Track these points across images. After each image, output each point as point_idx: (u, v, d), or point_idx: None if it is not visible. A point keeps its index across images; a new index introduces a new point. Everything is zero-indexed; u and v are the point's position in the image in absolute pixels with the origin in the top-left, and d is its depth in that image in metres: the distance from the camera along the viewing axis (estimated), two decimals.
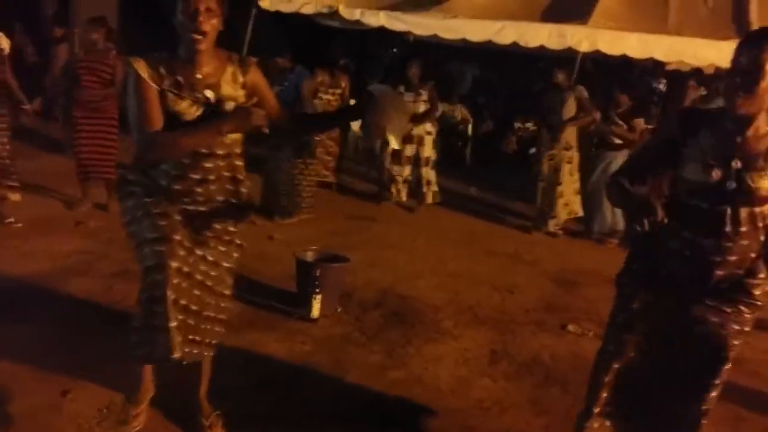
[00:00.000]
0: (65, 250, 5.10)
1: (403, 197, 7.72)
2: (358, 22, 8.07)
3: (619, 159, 6.71)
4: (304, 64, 7.28)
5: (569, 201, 7.18)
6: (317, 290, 4.29)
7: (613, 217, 7.06)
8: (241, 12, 8.13)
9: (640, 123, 6.91)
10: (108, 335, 3.54)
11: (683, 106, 7.42)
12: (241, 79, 2.67)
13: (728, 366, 2.44)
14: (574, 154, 7.10)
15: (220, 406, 3.08)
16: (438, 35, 8.08)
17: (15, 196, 6.15)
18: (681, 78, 8.95)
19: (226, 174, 2.70)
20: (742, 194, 2.27)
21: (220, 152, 2.65)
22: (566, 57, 7.40)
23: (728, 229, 2.29)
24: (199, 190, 2.64)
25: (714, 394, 2.48)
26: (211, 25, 2.50)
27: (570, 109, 6.95)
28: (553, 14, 7.82)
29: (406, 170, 7.62)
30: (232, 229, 2.81)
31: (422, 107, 7.44)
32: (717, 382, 2.44)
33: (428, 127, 7.60)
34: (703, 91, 8.21)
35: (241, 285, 4.56)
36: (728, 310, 2.39)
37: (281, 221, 6.57)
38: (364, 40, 11.33)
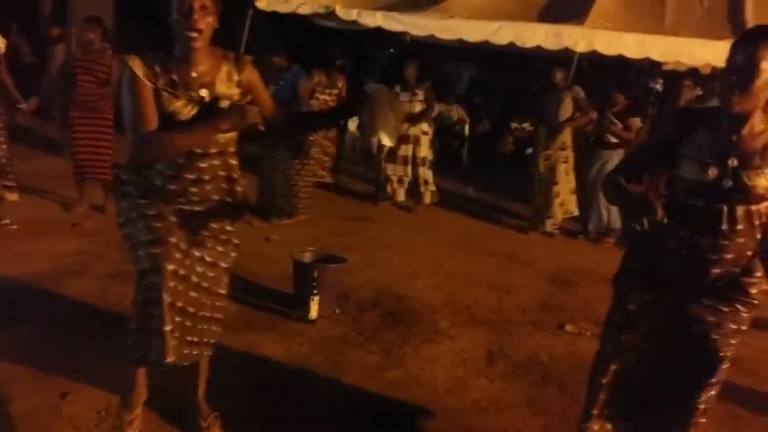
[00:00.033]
0: (62, 251, 5.10)
1: (399, 197, 7.72)
2: (354, 22, 8.07)
3: (614, 158, 6.73)
4: (301, 63, 7.28)
5: (565, 201, 7.20)
6: (315, 291, 4.29)
7: (609, 216, 7.08)
8: (237, 12, 8.13)
9: (636, 122, 6.93)
10: (105, 337, 3.54)
11: (679, 106, 7.44)
12: (236, 77, 2.67)
13: (726, 365, 2.45)
14: (570, 154, 7.13)
15: (217, 406, 3.08)
16: (435, 35, 8.09)
17: (12, 197, 6.14)
18: (677, 78, 8.96)
19: (221, 173, 2.70)
20: (739, 192, 2.27)
21: (215, 151, 2.64)
22: (563, 57, 7.41)
23: (725, 227, 2.30)
24: (194, 189, 2.64)
25: (712, 393, 2.49)
26: (207, 23, 2.50)
27: (567, 109, 6.97)
28: (549, 14, 7.83)
29: (401, 169, 7.63)
30: (229, 228, 2.81)
31: (418, 107, 7.45)
32: (715, 381, 2.45)
33: (424, 127, 7.61)
34: (699, 91, 8.22)
35: (239, 286, 4.58)
36: (725, 309, 2.40)
37: (278, 222, 6.58)
38: (360, 40, 11.33)
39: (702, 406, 2.49)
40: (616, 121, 6.95)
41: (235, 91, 2.66)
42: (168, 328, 2.56)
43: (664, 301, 2.48)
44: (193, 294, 2.71)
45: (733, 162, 2.27)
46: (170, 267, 2.56)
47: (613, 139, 6.95)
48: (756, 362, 4.37)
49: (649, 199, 2.19)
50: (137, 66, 2.49)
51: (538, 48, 7.63)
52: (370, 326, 4.40)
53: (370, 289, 5.01)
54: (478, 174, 9.88)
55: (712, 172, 2.29)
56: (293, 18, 8.34)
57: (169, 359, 2.59)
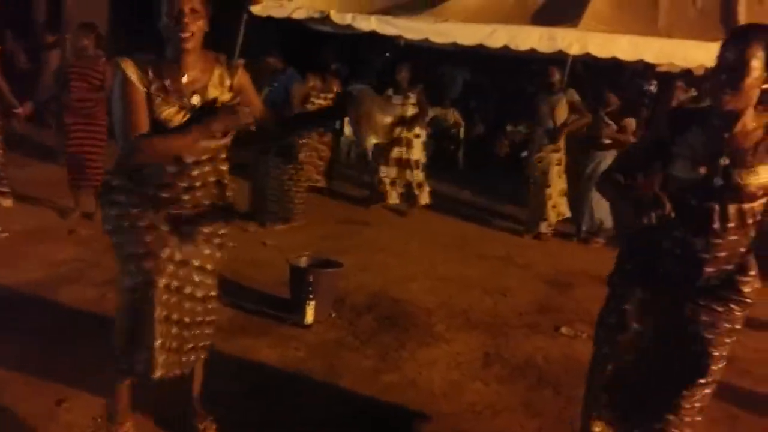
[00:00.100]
0: (58, 258, 5.10)
1: (392, 199, 7.73)
2: (349, 26, 8.08)
3: (608, 158, 6.74)
4: (296, 68, 7.29)
5: (557, 203, 7.23)
6: (311, 296, 4.30)
7: (600, 216, 7.10)
8: (232, 17, 8.14)
9: (631, 123, 6.95)
10: (101, 344, 3.52)
11: (672, 106, 7.46)
12: (228, 82, 2.67)
13: (721, 364, 2.46)
14: (563, 156, 7.15)
15: (213, 412, 3.08)
16: (429, 39, 8.10)
17: (6, 202, 6.16)
18: (671, 80, 8.99)
19: (212, 179, 2.69)
20: (730, 191, 2.28)
21: (206, 158, 2.64)
22: (557, 60, 7.43)
23: (716, 225, 2.31)
24: (186, 197, 2.63)
25: (707, 391, 2.50)
26: (197, 26, 2.49)
27: (562, 111, 6.99)
28: (543, 17, 7.85)
29: (394, 172, 7.65)
30: (223, 231, 2.81)
31: (410, 110, 7.48)
32: (710, 380, 2.46)
33: (417, 130, 7.64)
34: (693, 92, 8.25)
35: (234, 291, 4.61)
36: (720, 309, 2.41)
37: (273, 227, 6.57)
38: (355, 44, 11.35)
39: (698, 405, 2.50)
40: (610, 121, 6.98)
41: (227, 96, 2.65)
42: (158, 342, 2.57)
43: (660, 301, 2.49)
44: (187, 304, 2.70)
45: (724, 160, 2.28)
46: (163, 281, 2.56)
47: (607, 140, 6.97)
48: (751, 362, 4.39)
49: (657, 194, 2.20)
50: (130, 68, 2.48)
51: (532, 51, 7.65)
52: (365, 330, 4.41)
53: (365, 292, 5.02)
54: (472, 177, 9.89)
55: (702, 170, 2.30)
56: (288, 23, 8.35)
57: (157, 374, 2.60)
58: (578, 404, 2.90)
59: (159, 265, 2.56)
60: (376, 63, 11.86)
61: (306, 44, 9.24)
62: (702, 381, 2.47)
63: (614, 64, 8.49)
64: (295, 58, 7.40)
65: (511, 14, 7.96)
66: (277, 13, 8.17)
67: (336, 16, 7.97)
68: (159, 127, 2.51)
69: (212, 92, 2.61)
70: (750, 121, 2.29)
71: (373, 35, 8.23)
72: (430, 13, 8.03)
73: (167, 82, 2.52)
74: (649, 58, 7.86)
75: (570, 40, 7.30)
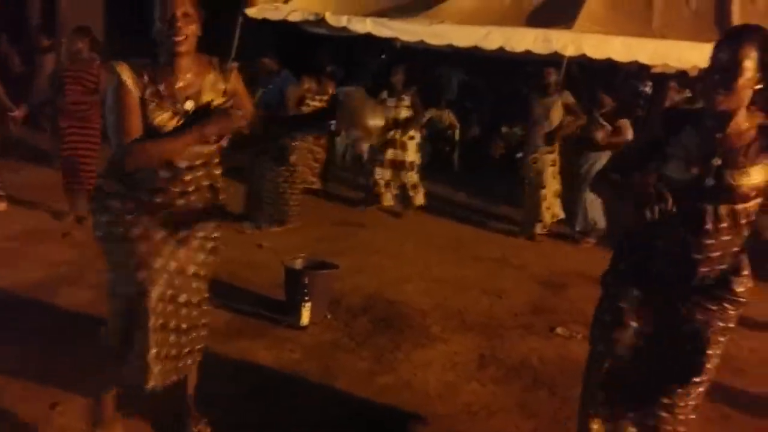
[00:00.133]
0: (54, 260, 5.10)
1: (386, 201, 7.75)
2: (344, 28, 8.09)
3: (602, 159, 6.76)
4: (291, 70, 7.30)
5: (551, 204, 7.24)
6: (306, 298, 4.30)
7: (594, 216, 7.11)
8: (228, 19, 8.15)
9: (625, 124, 6.96)
10: (98, 346, 3.52)
11: (666, 107, 7.48)
12: (221, 85, 2.67)
13: (715, 362, 2.47)
14: (557, 157, 7.17)
15: (209, 414, 3.08)
16: (425, 41, 8.11)
17: (1, 206, 6.15)
18: (666, 80, 9.02)
19: (205, 183, 2.69)
20: (722, 191, 2.29)
21: (200, 163, 2.64)
22: (552, 62, 7.44)
23: (709, 226, 2.32)
24: (180, 202, 2.63)
25: (701, 389, 2.51)
26: (190, 30, 2.50)
27: (557, 114, 7.01)
28: (538, 19, 7.87)
29: (388, 174, 7.66)
30: (215, 235, 2.81)
31: (404, 113, 7.50)
32: (704, 378, 2.47)
33: (411, 132, 7.65)
34: (687, 93, 8.27)
35: (230, 293, 4.61)
36: (713, 307, 2.42)
37: (269, 229, 6.57)
38: (351, 46, 11.36)
39: (692, 403, 2.51)
40: (604, 122, 6.99)
41: (220, 100, 2.66)
42: (153, 352, 2.57)
43: (654, 300, 2.50)
44: (183, 311, 2.70)
45: (716, 161, 2.29)
46: (156, 291, 2.56)
47: (601, 141, 6.98)
48: (745, 361, 4.42)
49: (658, 188, 2.21)
50: (125, 73, 2.48)
51: (528, 53, 7.66)
52: (361, 332, 4.41)
53: (360, 294, 5.03)
54: (468, 179, 9.90)
55: (695, 170, 2.31)
56: (284, 25, 8.36)
57: (150, 385, 2.60)
58: (573, 405, 2.91)
59: (152, 276, 2.56)
60: (371, 65, 11.86)
61: (301, 46, 9.24)
62: (697, 379, 2.48)
63: (609, 65, 8.50)
64: (290, 61, 7.41)
65: (506, 16, 7.97)
66: (273, 15, 8.18)
67: (331, 19, 7.98)
68: (153, 132, 2.51)
69: (206, 97, 2.62)
70: (743, 121, 2.30)
71: (368, 37, 8.24)
72: (425, 15, 8.04)
73: (161, 87, 2.52)
74: (644, 60, 7.87)
75: (565, 42, 7.31)
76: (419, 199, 7.75)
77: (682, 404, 2.52)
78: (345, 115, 2.84)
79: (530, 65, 9.28)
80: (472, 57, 10.36)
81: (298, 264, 4.66)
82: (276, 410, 3.38)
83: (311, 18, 8.12)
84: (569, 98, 7.08)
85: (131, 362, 2.61)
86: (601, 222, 7.08)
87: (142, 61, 2.55)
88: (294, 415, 3.36)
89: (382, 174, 7.67)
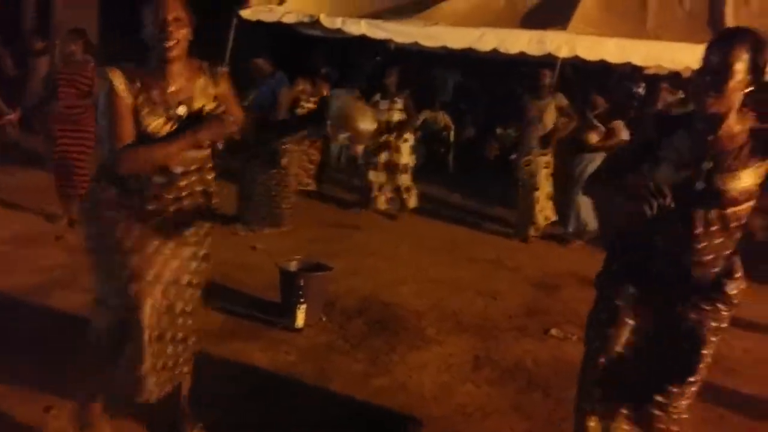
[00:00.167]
0: (47, 264, 5.08)
1: (380, 204, 7.76)
2: (339, 30, 8.10)
3: (596, 161, 6.76)
4: (285, 72, 7.30)
5: (543, 207, 7.26)
6: (301, 300, 4.30)
7: (585, 218, 7.12)
8: (222, 21, 8.15)
9: (619, 125, 6.97)
10: (87, 353, 3.52)
11: (658, 110, 7.50)
12: (212, 90, 2.67)
13: (707, 362, 2.48)
14: (551, 159, 7.18)
15: (204, 416, 3.07)
16: (419, 43, 8.13)
17: None
18: (659, 82, 9.04)
19: (199, 189, 2.68)
20: (712, 195, 2.29)
21: (194, 168, 2.64)
22: (546, 63, 7.46)
23: (699, 230, 2.32)
24: (173, 208, 2.61)
25: (693, 389, 2.52)
26: (182, 34, 2.49)
27: (551, 116, 7.03)
28: (532, 21, 7.90)
29: (382, 176, 7.68)
30: (207, 242, 2.80)
31: (396, 116, 7.51)
32: (697, 377, 2.48)
33: (404, 135, 7.66)
34: (680, 94, 8.29)
35: (225, 295, 4.60)
36: (707, 308, 2.42)
37: (262, 231, 6.56)
38: (345, 48, 11.36)
39: (684, 402, 2.52)
40: (598, 124, 7.00)
41: (211, 105, 2.66)
42: (148, 363, 2.57)
43: (650, 299, 2.50)
44: (179, 321, 2.70)
45: (707, 165, 2.29)
46: (150, 303, 2.55)
47: (595, 143, 7.00)
48: (738, 361, 4.43)
49: (657, 183, 2.22)
50: (118, 78, 2.47)
51: (522, 54, 7.68)
52: (356, 334, 4.41)
53: (355, 296, 5.02)
54: (463, 180, 9.91)
55: (684, 173, 2.31)
56: (278, 27, 8.36)
57: (144, 397, 2.61)
58: (568, 406, 2.91)
59: (145, 288, 2.55)
60: (366, 67, 11.87)
61: (296, 48, 9.25)
62: (691, 379, 2.49)
63: (603, 66, 8.52)
64: (284, 62, 7.41)
65: (500, 18, 8.00)
66: (267, 17, 8.19)
67: (326, 20, 7.99)
68: (147, 138, 2.50)
69: (198, 101, 2.61)
70: (734, 124, 2.30)
71: (363, 39, 8.26)
72: (419, 17, 8.06)
73: (154, 93, 2.51)
74: (637, 61, 7.90)
75: (559, 43, 7.33)
76: (412, 201, 7.77)
77: (675, 403, 2.53)
78: (335, 118, 2.85)
79: (525, 66, 9.31)
80: (467, 58, 10.38)
81: (293, 266, 4.66)
82: (272, 412, 3.37)
83: (306, 20, 8.13)
84: (563, 101, 7.10)
85: (123, 374, 2.60)
86: (593, 224, 7.10)
87: (134, 66, 2.54)
88: (290, 416, 3.35)
89: (375, 177, 7.68)
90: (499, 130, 9.49)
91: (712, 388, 3.73)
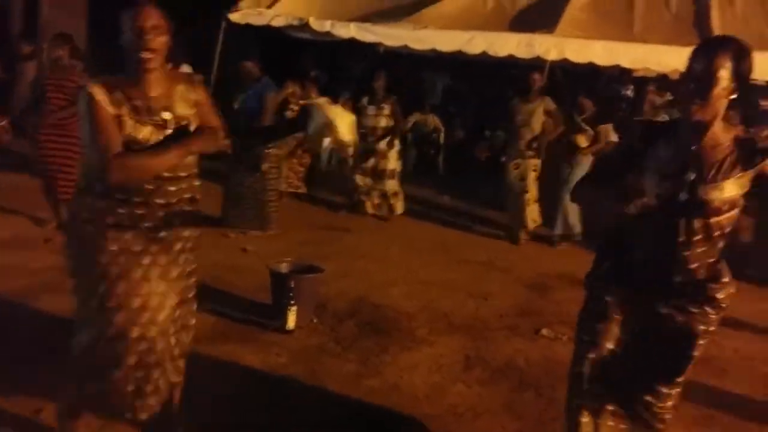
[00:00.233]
0: (36, 267, 5.05)
1: (368, 208, 7.78)
2: (328, 33, 8.12)
3: (584, 163, 6.83)
4: (272, 76, 7.30)
5: (531, 209, 7.29)
6: (292, 302, 4.30)
7: (572, 221, 7.15)
8: (211, 25, 8.15)
9: (606, 129, 7.01)
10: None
11: (644, 119, 7.54)
12: (192, 96, 2.67)
13: (693, 363, 2.49)
14: (539, 162, 7.21)
15: (201, 416, 3.07)
16: (408, 46, 8.15)
17: None
18: (646, 84, 9.11)
19: (186, 195, 2.66)
20: (695, 206, 2.30)
21: (184, 175, 2.63)
22: (535, 66, 7.50)
23: (682, 239, 2.33)
24: (160, 214, 2.59)
25: (679, 389, 2.53)
26: (159, 42, 2.48)
27: (539, 119, 7.06)
28: (521, 24, 7.94)
29: (369, 181, 7.71)
30: (194, 248, 2.80)
31: (383, 122, 7.55)
32: (682, 379, 2.49)
33: (391, 140, 7.68)
34: (668, 96, 8.35)
35: (215, 297, 4.59)
36: (694, 310, 2.43)
37: (250, 234, 6.55)
38: (334, 51, 11.39)
39: (669, 403, 2.53)
40: (587, 127, 7.04)
41: (191, 112, 2.65)
42: (132, 388, 2.60)
43: (635, 300, 2.51)
44: (172, 340, 2.69)
45: (690, 176, 2.30)
46: (137, 331, 2.55)
47: (584, 145, 7.04)
48: (728, 362, 4.45)
49: (639, 183, 2.23)
50: (98, 92, 2.45)
51: (511, 57, 7.72)
52: (347, 335, 4.41)
53: (346, 298, 5.02)
54: (453, 182, 9.93)
55: (668, 184, 2.32)
56: (267, 30, 8.36)
57: (130, 417, 2.64)
58: (559, 406, 2.92)
59: (132, 317, 2.54)
60: (355, 70, 11.90)
61: (285, 51, 9.25)
62: (678, 380, 2.51)
63: (591, 69, 8.58)
64: (274, 65, 7.42)
65: (489, 21, 8.04)
66: (256, 20, 8.19)
67: (315, 23, 8.01)
68: (137, 147, 2.49)
69: (179, 107, 2.61)
70: (720, 133, 2.31)
71: (352, 42, 8.27)
72: (409, 20, 8.08)
73: (137, 102, 2.51)
74: (625, 63, 7.97)
75: (547, 46, 7.38)
76: (399, 207, 7.81)
77: (661, 403, 2.54)
78: (315, 131, 2.88)
79: (514, 69, 9.36)
80: (456, 61, 10.42)
81: (284, 268, 4.65)
82: (264, 414, 3.37)
83: (295, 23, 8.15)
84: (550, 105, 7.14)
85: (109, 394, 2.62)
86: (578, 228, 7.13)
87: (114, 78, 2.53)
88: (281, 418, 3.35)
89: (362, 181, 7.71)
90: (487, 133, 9.55)
91: (702, 387, 3.77)
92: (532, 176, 7.19)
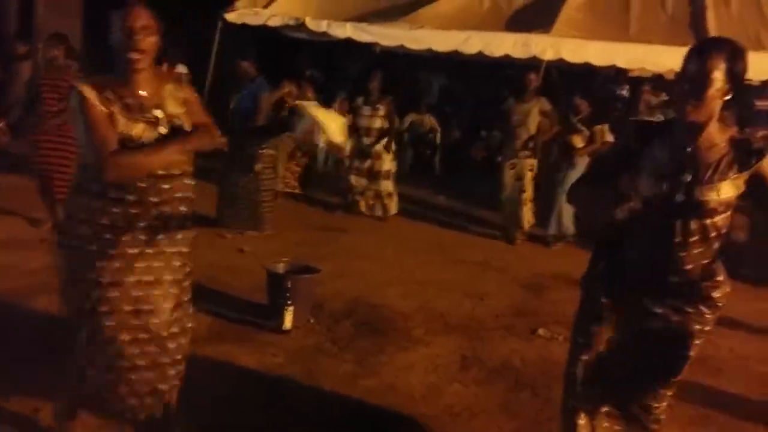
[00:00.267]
0: (33, 267, 5.04)
1: (362, 208, 7.79)
2: (324, 33, 8.12)
3: (580, 164, 6.84)
4: (269, 75, 7.29)
5: (526, 210, 7.29)
6: (289, 302, 4.30)
7: (566, 221, 7.17)
8: (208, 24, 8.14)
9: (602, 130, 7.02)
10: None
11: (639, 119, 7.55)
12: (180, 95, 2.67)
13: (689, 363, 2.50)
14: (535, 162, 7.23)
15: (197, 416, 3.07)
16: (404, 46, 8.16)
17: None
18: (642, 84, 9.12)
19: (180, 195, 2.65)
20: (691, 207, 2.31)
21: (177, 173, 2.62)
22: (531, 65, 7.51)
23: (678, 240, 2.34)
24: (154, 212, 2.58)
25: (673, 390, 2.55)
26: (149, 42, 2.48)
27: (534, 119, 7.07)
28: (517, 24, 7.95)
29: (363, 182, 7.73)
30: (187, 252, 2.79)
31: (378, 123, 7.57)
32: (677, 379, 2.50)
33: (386, 141, 7.70)
34: (663, 97, 8.37)
35: (212, 298, 4.59)
36: (689, 310, 2.44)
37: (246, 234, 6.54)
38: (331, 51, 11.38)
39: (664, 404, 2.54)
40: (582, 128, 7.06)
41: (181, 110, 2.65)
42: (127, 389, 2.61)
43: (631, 300, 2.52)
44: (171, 344, 2.69)
45: (686, 177, 2.31)
46: (126, 334, 2.56)
47: (579, 146, 7.05)
48: (724, 361, 4.46)
49: (635, 183, 2.24)
50: (89, 91, 2.46)
51: (507, 57, 7.73)
52: (344, 336, 4.41)
53: (343, 298, 5.03)
54: (449, 182, 9.94)
55: (665, 185, 2.33)
56: (264, 30, 8.36)
57: (128, 416, 2.64)
58: (555, 406, 2.93)
59: (122, 321, 2.55)
60: (351, 70, 11.90)
61: (281, 51, 9.25)
62: (674, 380, 2.52)
63: (587, 69, 8.59)
64: (270, 65, 7.41)
65: (485, 21, 8.04)
66: (253, 20, 8.19)
67: (311, 23, 8.01)
68: (132, 145, 2.48)
69: (169, 105, 2.61)
70: (715, 133, 2.32)
71: (348, 42, 8.27)
72: (405, 20, 8.08)
73: (129, 100, 2.51)
74: (621, 64, 7.98)
75: (543, 46, 7.39)
76: (393, 207, 7.81)
77: (657, 403, 2.55)
78: (303, 128, 2.88)
79: (510, 69, 9.37)
80: (452, 61, 10.42)
81: (281, 268, 4.65)
82: (260, 414, 3.36)
83: (291, 23, 8.14)
84: (546, 105, 7.16)
85: (102, 395, 2.63)
86: (572, 229, 7.15)
87: (104, 78, 2.54)
88: (278, 419, 3.34)
89: (357, 181, 7.73)
90: (483, 133, 9.55)
91: (697, 387, 3.78)
92: (528, 176, 7.20)
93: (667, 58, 7.08)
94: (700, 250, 2.37)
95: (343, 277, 5.47)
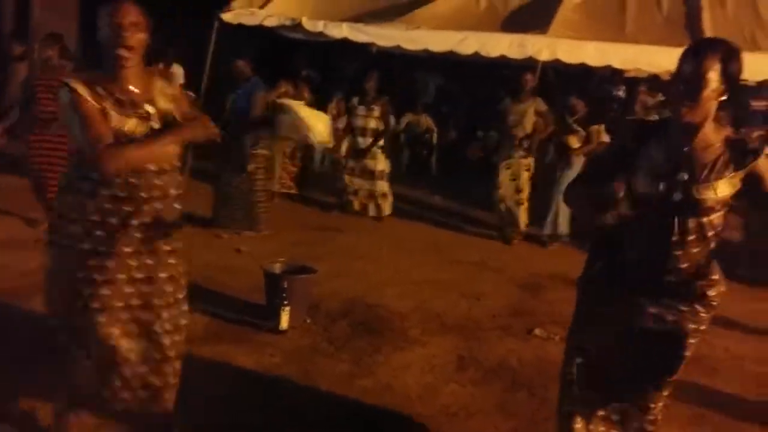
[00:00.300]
0: (29, 267, 5.01)
1: (356, 208, 7.79)
2: (321, 33, 8.09)
3: (576, 164, 6.85)
4: (265, 75, 7.29)
5: (523, 209, 7.30)
6: (285, 302, 4.30)
7: (561, 221, 7.18)
8: (204, 25, 8.13)
9: (598, 130, 7.04)
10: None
11: (635, 118, 7.57)
12: (168, 91, 2.68)
13: (684, 362, 2.51)
14: (531, 162, 7.23)
15: (194, 417, 3.07)
16: (401, 46, 8.15)
17: None
18: (638, 84, 9.14)
19: (171, 190, 2.64)
20: (689, 205, 2.32)
21: (168, 168, 2.61)
22: (527, 66, 7.52)
23: (675, 239, 2.35)
24: (146, 208, 2.57)
25: (669, 390, 2.55)
26: (137, 39, 2.48)
27: (530, 119, 7.08)
28: (513, 24, 7.93)
29: (357, 182, 7.74)
30: (180, 253, 2.79)
31: (373, 123, 7.58)
32: (672, 378, 2.51)
33: (380, 141, 7.72)
34: (659, 97, 8.38)
35: (208, 298, 4.59)
36: (684, 308, 2.45)
37: (242, 234, 6.54)
38: (327, 51, 11.38)
39: (660, 404, 2.55)
40: (578, 128, 7.07)
41: (171, 106, 2.65)
42: (120, 384, 2.62)
43: (627, 301, 2.53)
44: (166, 341, 2.69)
45: (683, 176, 2.32)
46: (116, 331, 2.55)
47: (575, 146, 7.07)
48: (719, 361, 4.48)
49: (615, 190, 2.25)
50: (80, 87, 2.45)
51: (503, 57, 7.73)
52: (340, 336, 4.42)
53: (339, 298, 5.03)
54: (446, 182, 9.95)
55: (662, 184, 2.34)
56: (260, 30, 8.35)
57: (120, 408, 2.64)
58: (552, 406, 2.94)
59: (112, 315, 2.55)
60: (347, 70, 11.90)
61: (278, 51, 9.24)
62: (669, 379, 2.52)
63: (583, 70, 8.59)
64: (266, 65, 7.41)
65: (481, 21, 8.03)
66: (249, 20, 8.16)
67: (308, 24, 7.98)
68: (126, 140, 2.48)
69: (160, 103, 2.61)
70: (710, 133, 2.33)
71: (345, 42, 8.26)
72: (401, 21, 8.06)
73: (120, 96, 2.51)
74: (616, 64, 7.98)
75: (539, 47, 7.38)
76: (387, 207, 7.82)
77: (653, 404, 2.56)
78: (286, 126, 2.89)
79: (507, 69, 9.38)
80: (448, 61, 10.42)
81: (277, 268, 4.66)
82: (257, 414, 3.37)
83: (287, 23, 8.11)
84: (541, 105, 7.17)
85: (99, 394, 2.63)
86: (566, 229, 7.16)
87: (94, 74, 2.53)
88: (275, 419, 3.35)
89: (351, 181, 7.73)
90: (480, 133, 9.56)
91: (693, 387, 3.79)
92: (525, 176, 7.21)
93: (662, 59, 7.08)
94: (697, 249, 2.38)
95: (340, 277, 5.47)
